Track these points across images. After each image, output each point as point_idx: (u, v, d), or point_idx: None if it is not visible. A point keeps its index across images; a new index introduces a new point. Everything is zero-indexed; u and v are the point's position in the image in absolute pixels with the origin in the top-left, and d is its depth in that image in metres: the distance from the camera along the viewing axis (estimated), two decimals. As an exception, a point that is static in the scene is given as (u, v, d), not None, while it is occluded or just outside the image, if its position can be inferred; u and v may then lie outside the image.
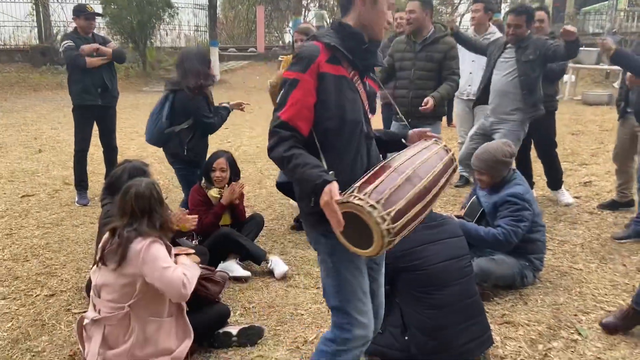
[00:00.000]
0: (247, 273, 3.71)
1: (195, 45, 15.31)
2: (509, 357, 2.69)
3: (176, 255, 2.76)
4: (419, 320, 2.48)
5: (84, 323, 2.68)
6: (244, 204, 4.19)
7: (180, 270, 2.59)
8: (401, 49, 4.49)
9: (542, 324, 2.99)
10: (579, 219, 4.73)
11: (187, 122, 4.06)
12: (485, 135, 4.52)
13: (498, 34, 5.26)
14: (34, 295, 3.49)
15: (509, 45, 4.41)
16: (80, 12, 5.18)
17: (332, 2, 25.03)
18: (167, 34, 20.11)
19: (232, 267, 3.71)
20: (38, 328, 3.09)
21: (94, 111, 5.31)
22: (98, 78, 5.21)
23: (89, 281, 3.35)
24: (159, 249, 2.57)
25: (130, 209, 2.63)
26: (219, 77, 16.55)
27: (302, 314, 3.23)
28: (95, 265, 2.69)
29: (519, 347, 2.77)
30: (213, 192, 3.95)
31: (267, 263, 3.79)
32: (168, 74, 17.54)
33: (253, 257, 3.78)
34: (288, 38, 26.09)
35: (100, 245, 2.72)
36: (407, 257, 2.48)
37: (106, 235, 2.70)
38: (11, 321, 3.16)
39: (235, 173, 4.07)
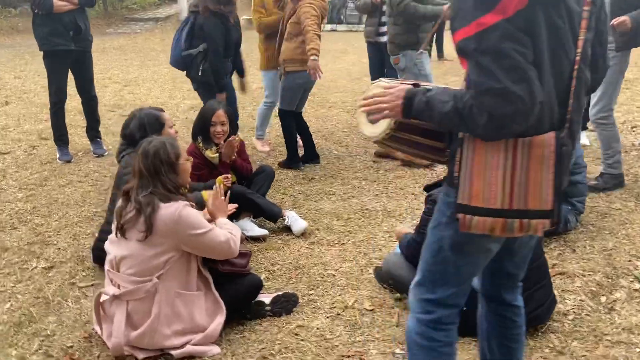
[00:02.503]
0: (264, 232, 3.41)
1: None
2: (572, 313, 2.49)
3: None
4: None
5: (101, 300, 2.37)
6: (247, 155, 3.82)
7: (222, 229, 2.40)
8: None
9: (597, 272, 2.80)
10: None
11: (202, 46, 4.13)
12: None
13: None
14: (30, 269, 3.13)
15: None
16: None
17: None
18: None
19: (247, 225, 3.40)
20: (42, 307, 2.75)
21: (68, 57, 4.76)
22: (69, 20, 4.63)
23: (95, 249, 3.06)
24: (192, 213, 2.32)
25: (137, 168, 2.34)
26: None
27: (334, 275, 2.96)
28: (114, 235, 2.35)
29: (580, 300, 2.58)
30: (210, 153, 3.48)
31: (284, 220, 3.48)
32: (132, 13, 16.51)
33: (268, 215, 3.47)
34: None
35: (115, 211, 2.37)
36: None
37: (120, 200, 2.35)
38: (9, 301, 2.81)
39: (233, 125, 3.65)
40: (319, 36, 4.16)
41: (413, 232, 2.65)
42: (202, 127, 3.49)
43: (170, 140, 2.44)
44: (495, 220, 1.45)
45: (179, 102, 7.18)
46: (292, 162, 4.60)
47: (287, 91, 4.48)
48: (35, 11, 4.59)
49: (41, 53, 4.80)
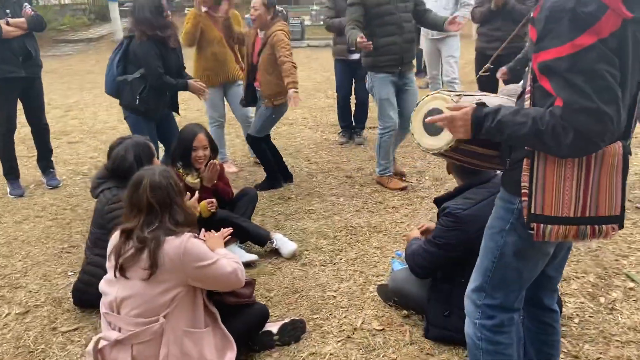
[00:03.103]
0: (254, 257, 3.29)
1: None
2: (577, 316, 2.56)
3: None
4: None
5: (100, 346, 2.18)
6: (227, 179, 3.70)
7: (227, 259, 2.26)
8: None
9: (589, 274, 2.89)
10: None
11: (139, 72, 3.88)
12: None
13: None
14: (3, 316, 2.86)
15: None
16: (-15, -36, 4.22)
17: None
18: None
19: (236, 251, 3.27)
20: (25, 357, 2.52)
21: (17, 84, 4.45)
22: (18, 45, 4.33)
23: (75, 291, 2.85)
24: (198, 244, 2.18)
25: (146, 203, 2.15)
26: (121, 35, 15.10)
27: (334, 296, 2.90)
28: (111, 276, 2.18)
29: (581, 302, 2.65)
30: (191, 179, 3.33)
31: (272, 243, 3.38)
32: (61, 34, 15.76)
33: (256, 239, 3.36)
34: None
35: (111, 250, 2.20)
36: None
37: (117, 238, 2.19)
38: (-15, 354, 2.56)
39: (213, 149, 3.51)
40: (295, 67, 4.07)
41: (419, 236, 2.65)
42: (183, 153, 3.34)
43: (169, 170, 2.31)
44: (569, 227, 1.51)
45: (130, 125, 6.90)
46: (273, 182, 4.50)
47: (268, 121, 4.39)
48: (-20, 38, 4.27)
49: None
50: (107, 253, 2.25)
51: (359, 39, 3.82)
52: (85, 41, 15.19)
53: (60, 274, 3.28)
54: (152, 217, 2.15)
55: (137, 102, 3.89)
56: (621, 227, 1.54)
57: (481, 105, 1.57)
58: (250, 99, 4.50)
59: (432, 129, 1.74)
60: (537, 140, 1.43)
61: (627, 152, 1.49)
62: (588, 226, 1.51)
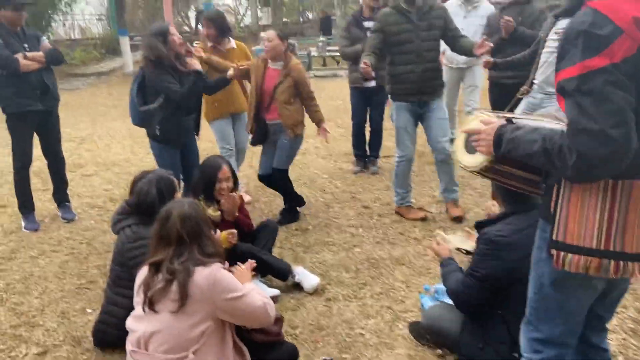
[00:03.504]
0: (276, 292, 3.21)
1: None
2: (621, 354, 2.45)
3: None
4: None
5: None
6: (247, 211, 3.65)
7: (257, 293, 2.21)
8: (395, 22, 4.01)
9: (629, 308, 2.79)
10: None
11: (158, 101, 3.82)
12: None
13: (485, 4, 5.04)
14: (21, 356, 2.78)
15: (560, 17, 4.06)
16: (6, 1, 4.26)
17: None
18: (64, 25, 18.29)
19: (258, 286, 3.18)
20: (45, 402, 2.43)
21: (34, 118, 4.45)
22: (37, 79, 4.35)
23: (97, 332, 2.76)
24: (228, 275, 2.15)
25: (176, 235, 2.13)
26: (132, 68, 15.30)
27: (362, 334, 2.80)
28: (139, 311, 2.12)
29: (623, 339, 2.54)
30: (211, 212, 3.29)
31: (293, 277, 3.30)
32: (72, 69, 15.99)
33: (278, 273, 3.28)
34: (194, 22, 24.87)
35: (139, 285, 2.15)
36: (526, 266, 2.13)
37: (145, 272, 2.15)
38: (4, 398, 2.47)
39: (235, 181, 3.48)
40: None
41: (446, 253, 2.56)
42: (206, 185, 3.29)
43: (197, 202, 2.29)
44: (591, 259, 1.45)
45: (143, 157, 6.88)
46: (295, 215, 4.46)
47: (293, 151, 4.36)
48: (-1, 72, 4.29)
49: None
50: (135, 289, 2.20)
51: (362, 65, 3.80)
52: (96, 75, 15.37)
53: (78, 311, 3.20)
54: (182, 249, 2.13)
55: (157, 132, 3.86)
56: None
57: (509, 121, 1.55)
58: (262, 136, 4.35)
59: (471, 147, 1.75)
60: (546, 160, 1.43)
61: None
62: (612, 261, 1.45)
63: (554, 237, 1.49)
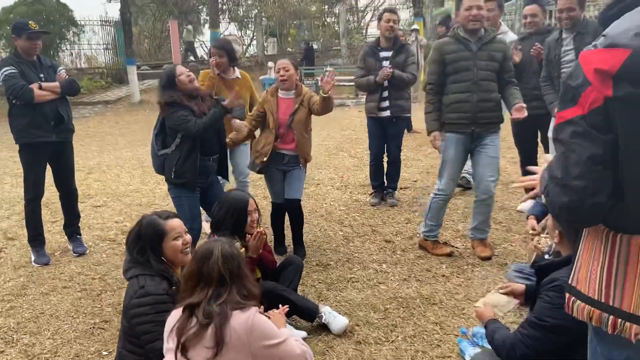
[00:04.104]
0: (303, 333, 3.04)
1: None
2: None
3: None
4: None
5: None
6: (270, 246, 3.50)
7: (294, 340, 2.08)
8: (454, 50, 3.89)
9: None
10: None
11: (175, 142, 3.67)
12: None
13: (510, 34, 4.98)
14: (34, 406, 2.61)
15: (564, 35, 4.01)
16: (22, 30, 4.20)
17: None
18: (71, 54, 18.42)
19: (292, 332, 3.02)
20: None
21: (47, 149, 4.34)
22: (51, 109, 4.26)
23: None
24: (265, 321, 2.02)
25: (217, 275, 2.02)
26: (139, 97, 15.32)
27: (399, 381, 2.63)
28: (173, 358, 1.97)
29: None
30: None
31: (320, 317, 3.14)
32: (79, 97, 16.01)
33: (305, 314, 3.12)
34: (200, 52, 25.12)
35: (170, 330, 2.00)
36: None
37: (178, 315, 2.00)
38: None
39: (260, 214, 3.36)
40: None
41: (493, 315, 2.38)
42: (237, 219, 3.12)
43: (233, 241, 2.18)
44: (593, 310, 1.46)
45: (154, 187, 6.76)
46: (304, 249, 4.33)
47: (303, 181, 4.31)
48: (14, 102, 4.20)
49: (6, 144, 4.36)
50: (165, 336, 2.04)
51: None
52: (102, 103, 15.38)
53: (93, 354, 3.03)
54: (222, 290, 2.01)
55: (172, 176, 3.68)
56: None
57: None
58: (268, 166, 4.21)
59: None
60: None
61: None
62: (610, 316, 1.43)
63: (570, 281, 1.52)
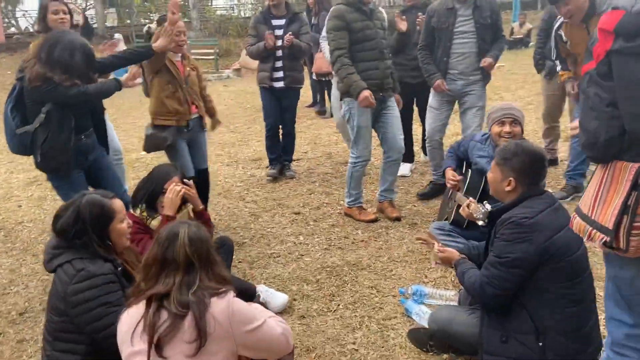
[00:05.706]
0: (284, 297, 2.99)
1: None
2: None
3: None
4: (559, 321, 2.15)
5: None
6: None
7: (272, 318, 1.94)
8: (357, 19, 3.87)
9: None
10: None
11: (39, 119, 2.97)
12: (451, 102, 4.45)
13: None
14: None
15: (457, 5, 4.16)
16: None
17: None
18: None
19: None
20: None
21: None
22: None
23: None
24: (244, 304, 1.87)
25: (184, 259, 1.81)
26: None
27: (356, 349, 2.62)
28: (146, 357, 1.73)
29: None
30: (156, 223, 2.87)
31: (258, 297, 3.01)
32: None
33: (243, 295, 2.92)
34: (23, 23, 22.35)
35: (137, 326, 1.76)
36: (553, 245, 2.11)
37: (141, 310, 1.77)
38: None
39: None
40: None
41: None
42: (150, 194, 2.87)
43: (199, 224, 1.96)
44: (581, 222, 1.75)
45: (7, 176, 5.89)
46: None
47: None
48: None
49: None
50: (124, 337, 1.79)
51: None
52: None
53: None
54: (192, 276, 1.80)
55: (39, 159, 3.03)
56: (611, 246, 1.64)
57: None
58: None
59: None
60: None
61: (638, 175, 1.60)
62: (590, 227, 1.71)
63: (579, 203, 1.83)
